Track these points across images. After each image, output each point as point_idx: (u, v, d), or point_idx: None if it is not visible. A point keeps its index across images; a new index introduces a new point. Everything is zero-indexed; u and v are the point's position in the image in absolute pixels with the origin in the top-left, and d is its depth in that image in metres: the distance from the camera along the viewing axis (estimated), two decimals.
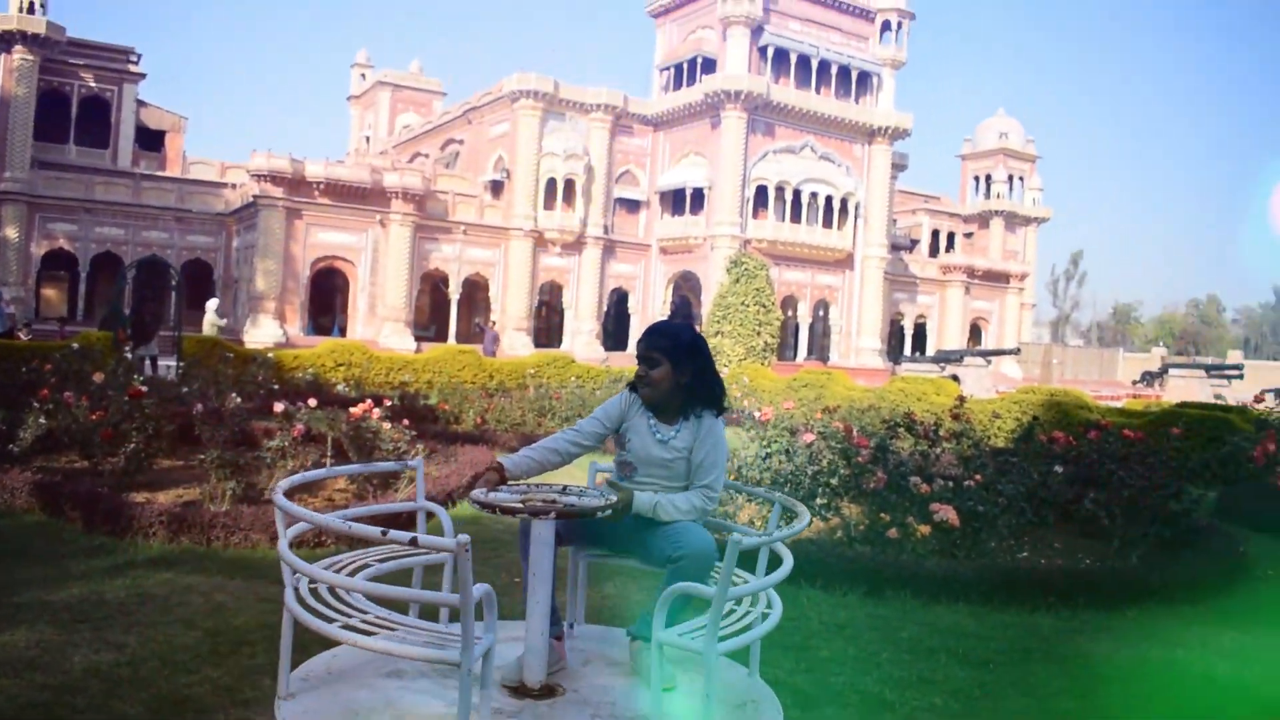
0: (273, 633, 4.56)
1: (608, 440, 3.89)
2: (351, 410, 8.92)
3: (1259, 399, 11.27)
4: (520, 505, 3.10)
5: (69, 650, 4.25)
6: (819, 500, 7.67)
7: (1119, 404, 22.31)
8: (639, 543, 3.62)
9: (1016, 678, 4.67)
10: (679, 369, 3.65)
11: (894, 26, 49.67)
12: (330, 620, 2.83)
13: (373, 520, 4.37)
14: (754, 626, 3.25)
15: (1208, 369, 35.37)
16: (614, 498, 3.30)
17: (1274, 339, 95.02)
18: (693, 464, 3.66)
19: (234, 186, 45.83)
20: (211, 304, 25.92)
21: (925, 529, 6.94)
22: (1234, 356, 58.30)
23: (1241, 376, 33.34)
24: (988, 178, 62.72)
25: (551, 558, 3.17)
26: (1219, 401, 21.56)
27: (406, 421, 9.85)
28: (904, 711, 4.14)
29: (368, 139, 66.73)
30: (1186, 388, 31.45)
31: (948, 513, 6.95)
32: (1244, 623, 5.97)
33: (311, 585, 3.09)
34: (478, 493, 3.24)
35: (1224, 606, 6.35)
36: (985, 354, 35.13)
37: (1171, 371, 35.93)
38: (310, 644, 3.52)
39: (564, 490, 3.36)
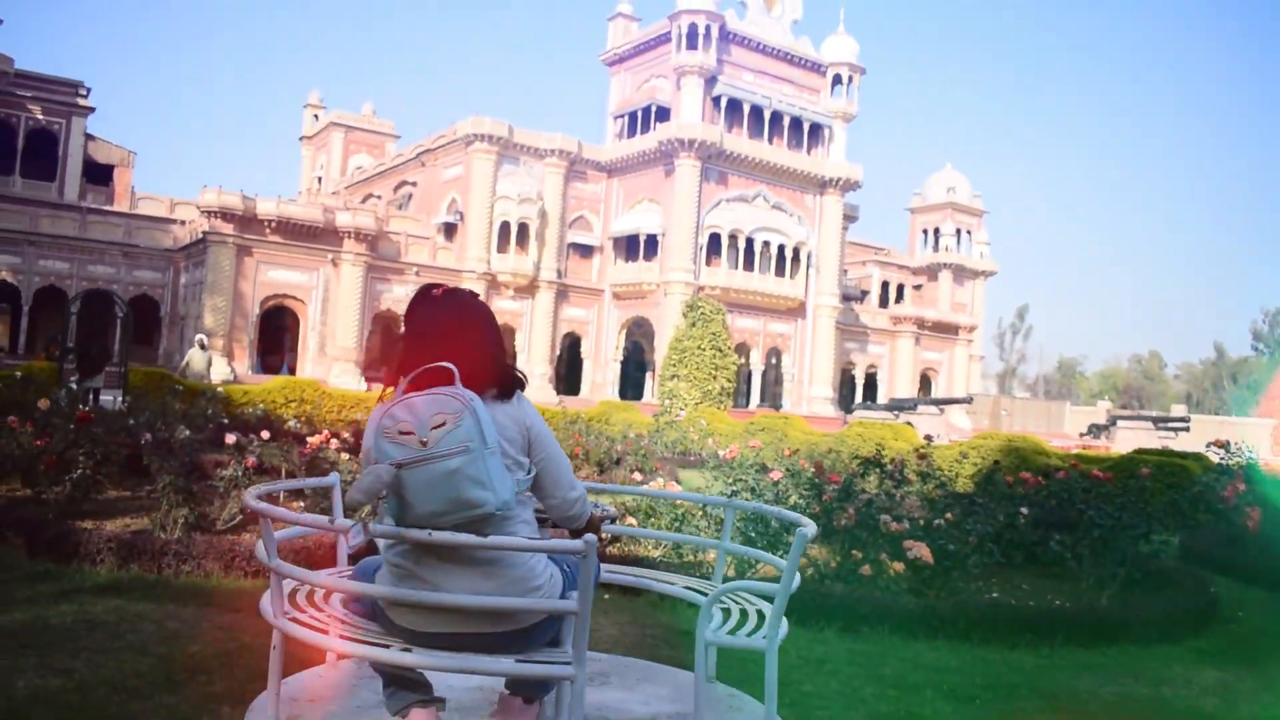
0: (230, 660, 4.35)
1: None
2: (309, 440, 8.66)
3: (1219, 444, 11.33)
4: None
5: (13, 676, 3.98)
6: (787, 539, 7.53)
7: (1072, 453, 22.45)
8: None
9: (1004, 713, 4.55)
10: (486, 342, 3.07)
11: (844, 80, 50.46)
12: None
13: None
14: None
15: (1155, 421, 35.90)
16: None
17: (1215, 394, 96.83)
18: None
19: (183, 223, 45.23)
20: (199, 339, 25.53)
21: (899, 566, 6.83)
22: (1178, 411, 59.26)
23: (1188, 429, 33.83)
24: (936, 231, 63.66)
25: None
26: None
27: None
28: None
29: (319, 179, 66.30)
30: (1135, 439, 31.77)
31: (921, 550, 6.85)
32: (1223, 662, 5.91)
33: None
34: None
35: (1201, 646, 6.30)
36: (938, 402, 35.40)
37: (1120, 423, 36.36)
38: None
39: None
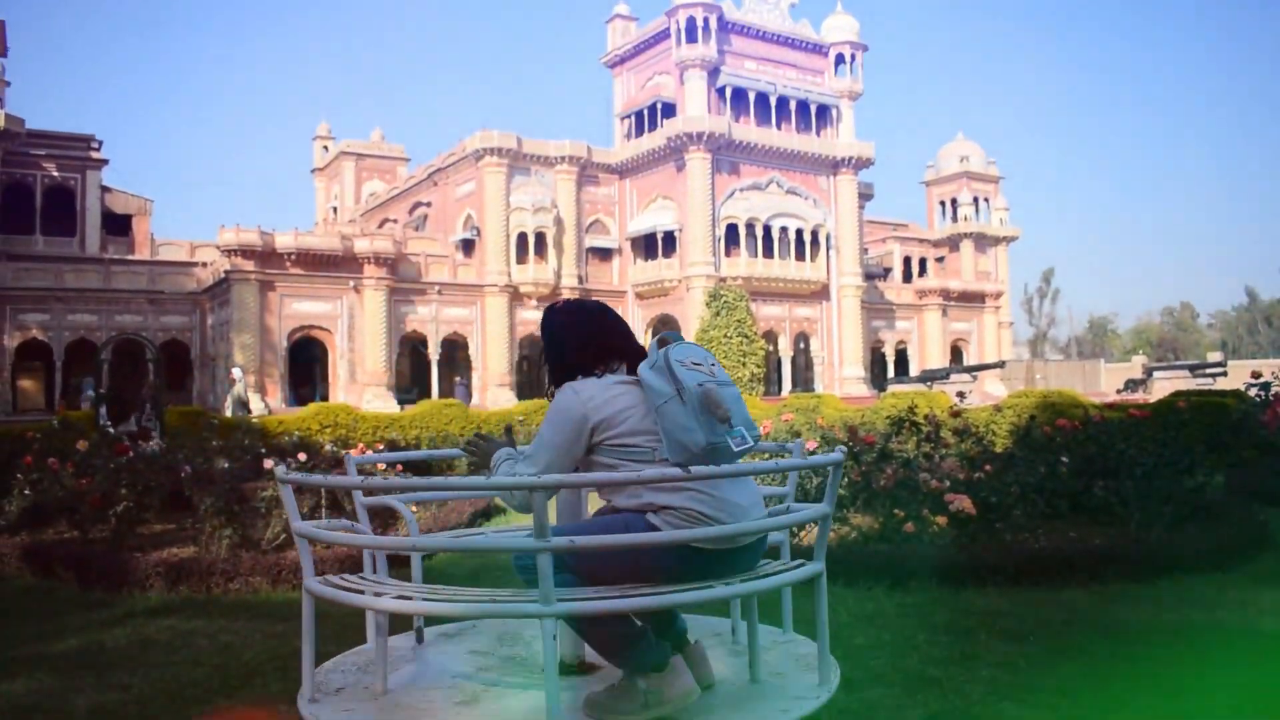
0: (285, 663, 4.39)
1: None
2: (346, 452, 8.71)
3: (1255, 375, 11.17)
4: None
5: (71, 695, 4.05)
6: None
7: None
8: None
9: (1061, 647, 4.52)
10: (547, 352, 3.30)
11: (847, 59, 50.26)
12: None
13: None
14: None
15: (1191, 368, 35.39)
16: None
17: (1250, 339, 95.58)
18: None
19: (205, 265, 45.64)
20: (236, 373, 25.55)
21: (942, 520, 6.79)
22: (1214, 358, 58.53)
23: (1225, 374, 33.27)
24: (953, 201, 63.27)
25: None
26: None
27: (400, 468, 9.68)
28: (952, 685, 3.98)
29: (334, 209, 66.77)
30: (1172, 389, 31.28)
31: (963, 502, 6.81)
32: (1279, 585, 5.84)
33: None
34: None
35: (1255, 571, 6.24)
36: (970, 369, 35.20)
37: (1156, 374, 35.93)
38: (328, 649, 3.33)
39: None
